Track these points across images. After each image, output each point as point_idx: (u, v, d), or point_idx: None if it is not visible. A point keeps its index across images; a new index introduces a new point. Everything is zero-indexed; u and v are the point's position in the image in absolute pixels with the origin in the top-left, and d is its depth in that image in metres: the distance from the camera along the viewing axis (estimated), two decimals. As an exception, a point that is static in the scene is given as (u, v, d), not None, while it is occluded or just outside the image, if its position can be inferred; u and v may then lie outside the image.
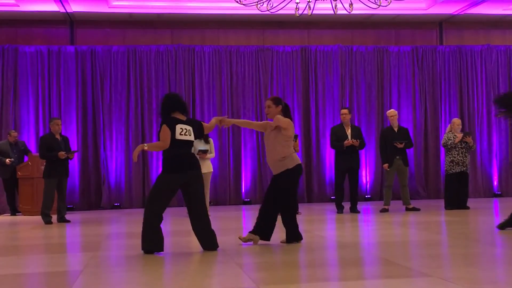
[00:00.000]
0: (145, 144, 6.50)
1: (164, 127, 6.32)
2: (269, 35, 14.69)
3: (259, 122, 6.87)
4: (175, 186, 6.40)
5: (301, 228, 8.87)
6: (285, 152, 6.82)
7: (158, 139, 6.44)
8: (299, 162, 6.95)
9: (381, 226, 9.00)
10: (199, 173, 6.48)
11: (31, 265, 6.09)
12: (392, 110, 11.56)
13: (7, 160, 12.30)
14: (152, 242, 6.37)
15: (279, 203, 6.89)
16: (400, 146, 10.98)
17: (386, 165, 11.02)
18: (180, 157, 6.36)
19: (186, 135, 6.37)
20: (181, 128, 6.34)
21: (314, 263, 5.72)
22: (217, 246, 6.54)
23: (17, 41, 13.79)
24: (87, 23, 14.06)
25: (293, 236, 7.01)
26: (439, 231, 8.23)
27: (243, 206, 13.69)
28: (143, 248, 6.39)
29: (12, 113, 13.47)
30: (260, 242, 7.04)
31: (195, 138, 6.53)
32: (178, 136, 6.31)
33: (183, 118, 6.46)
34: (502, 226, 7.62)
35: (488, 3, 13.71)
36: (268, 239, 7.01)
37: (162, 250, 6.39)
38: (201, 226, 6.48)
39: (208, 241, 6.51)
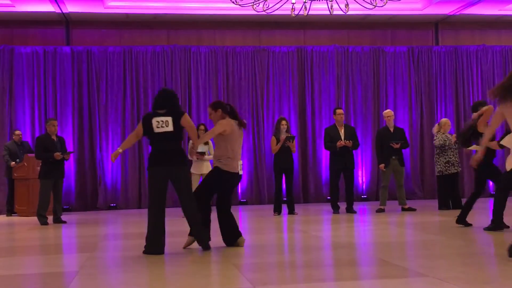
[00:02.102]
0: (119, 148, 6.72)
1: (139, 124, 6.59)
2: (265, 36, 14.69)
3: (213, 131, 6.84)
4: (160, 179, 6.43)
5: (298, 228, 8.92)
6: (220, 154, 6.77)
7: None
8: (235, 171, 6.80)
9: (377, 226, 9.02)
10: (180, 169, 6.48)
11: (27, 266, 6.08)
12: (388, 110, 11.59)
13: (12, 163, 12.27)
14: (151, 244, 6.40)
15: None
16: (396, 146, 11.00)
17: (382, 166, 11.04)
18: (159, 151, 6.46)
19: (163, 126, 6.41)
20: (157, 121, 6.42)
21: (311, 264, 5.73)
22: (208, 244, 6.55)
23: (12, 42, 13.76)
24: (83, 24, 14.04)
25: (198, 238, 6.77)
26: (435, 231, 8.24)
27: (240, 206, 13.67)
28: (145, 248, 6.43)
29: (8, 114, 13.45)
30: (256, 243, 7.03)
31: (176, 128, 6.44)
32: (155, 130, 6.42)
33: (162, 111, 6.50)
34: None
35: (483, 4, 13.74)
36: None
37: (161, 253, 6.38)
38: (192, 222, 6.55)
39: (200, 237, 6.54)
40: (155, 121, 6.42)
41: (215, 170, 6.80)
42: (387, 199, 11.24)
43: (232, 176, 6.79)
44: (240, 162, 6.92)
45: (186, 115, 6.58)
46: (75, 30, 14.08)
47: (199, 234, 6.56)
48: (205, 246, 6.55)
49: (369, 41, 14.99)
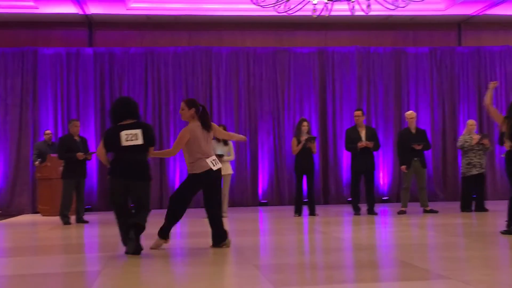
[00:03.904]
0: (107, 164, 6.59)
1: (101, 142, 6.43)
2: (286, 37, 14.67)
3: (179, 143, 6.71)
4: (120, 188, 6.32)
5: (318, 230, 8.90)
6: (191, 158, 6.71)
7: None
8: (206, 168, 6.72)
9: (399, 228, 8.97)
10: (138, 182, 6.34)
11: (50, 265, 6.14)
12: (411, 111, 11.50)
13: (36, 162, 12.39)
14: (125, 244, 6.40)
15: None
16: (419, 147, 10.92)
17: (404, 167, 10.97)
18: (117, 162, 6.35)
19: (133, 140, 6.26)
20: (126, 134, 6.26)
21: (331, 265, 5.71)
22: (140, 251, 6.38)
23: (36, 44, 13.91)
24: (105, 25, 14.15)
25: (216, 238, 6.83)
26: (457, 233, 8.17)
27: (260, 207, 13.69)
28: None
29: (31, 115, 13.60)
30: (277, 244, 7.03)
31: (146, 141, 6.32)
32: (124, 143, 6.25)
33: (132, 122, 6.36)
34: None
35: (507, 4, 13.59)
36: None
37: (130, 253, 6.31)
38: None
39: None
40: (123, 134, 6.24)
41: (187, 176, 6.80)
42: (409, 201, 11.16)
43: (199, 176, 6.67)
44: (213, 157, 6.74)
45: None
46: (98, 31, 14.20)
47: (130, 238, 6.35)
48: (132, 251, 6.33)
49: (390, 42, 14.90)
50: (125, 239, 6.37)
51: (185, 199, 6.80)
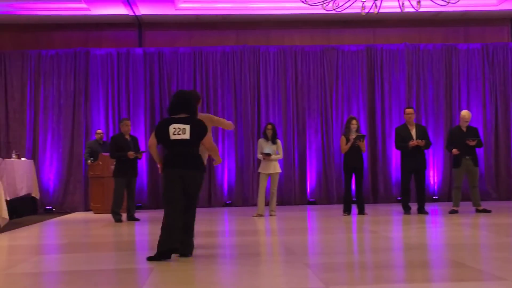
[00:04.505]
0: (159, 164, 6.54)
1: (152, 134, 6.38)
2: (334, 35, 14.59)
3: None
4: (174, 179, 6.21)
5: (368, 229, 8.83)
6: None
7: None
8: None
9: (450, 227, 8.82)
10: (191, 173, 6.24)
11: (103, 261, 6.27)
12: (467, 112, 11.12)
13: (88, 161, 12.64)
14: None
15: None
16: (473, 143, 10.69)
17: (455, 150, 10.70)
18: (169, 155, 6.28)
19: (180, 134, 6.20)
20: (174, 128, 6.23)
21: (381, 265, 5.66)
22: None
23: (88, 45, 14.21)
24: (155, 26, 14.35)
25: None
26: (511, 233, 7.98)
27: (308, 206, 13.66)
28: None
29: (83, 114, 13.89)
30: (326, 243, 7.00)
31: (193, 136, 6.23)
32: (171, 137, 6.21)
33: (184, 116, 6.30)
34: None
35: (562, -2, 13.20)
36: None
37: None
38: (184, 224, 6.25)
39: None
40: (172, 127, 6.22)
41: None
42: (460, 200, 10.96)
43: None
44: None
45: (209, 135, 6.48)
46: (147, 32, 14.41)
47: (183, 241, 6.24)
48: (187, 253, 6.23)
49: (441, 38, 14.65)
50: (166, 240, 6.11)
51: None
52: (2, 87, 13.90)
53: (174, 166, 6.22)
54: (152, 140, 6.39)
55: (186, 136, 6.19)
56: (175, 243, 6.06)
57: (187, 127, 6.21)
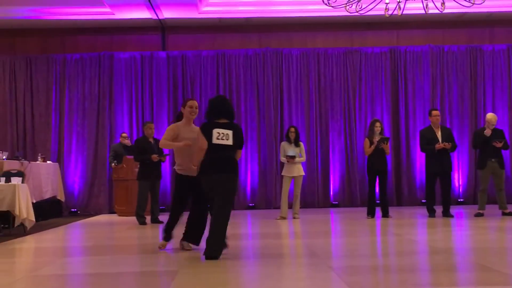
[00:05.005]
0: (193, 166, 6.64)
1: (200, 135, 6.41)
2: (357, 37, 14.54)
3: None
4: (208, 186, 6.37)
5: (392, 232, 8.77)
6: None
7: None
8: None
9: (476, 231, 8.72)
10: (226, 177, 6.35)
11: (128, 264, 6.31)
12: (493, 115, 10.98)
13: (113, 164, 12.73)
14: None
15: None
16: (499, 145, 10.57)
17: (487, 131, 10.58)
18: (210, 161, 6.33)
19: (223, 139, 6.32)
20: (217, 133, 6.33)
21: (406, 268, 5.62)
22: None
23: (112, 48, 14.34)
24: (178, 29, 14.43)
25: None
26: (538, 237, 7.87)
27: (331, 209, 13.62)
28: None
29: (108, 117, 14.01)
30: (350, 246, 6.96)
31: (235, 142, 6.39)
32: (214, 141, 6.31)
33: (226, 121, 6.43)
34: None
35: None
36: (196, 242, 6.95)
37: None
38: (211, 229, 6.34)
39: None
40: (215, 132, 6.32)
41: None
42: (486, 203, 10.82)
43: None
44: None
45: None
46: (171, 35, 14.50)
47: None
48: (215, 255, 6.23)
49: (465, 39, 14.51)
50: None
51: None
52: (28, 91, 14.09)
53: (215, 171, 6.32)
54: (204, 142, 6.38)
55: (230, 142, 6.36)
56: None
57: (230, 133, 6.37)
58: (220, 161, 6.33)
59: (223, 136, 6.32)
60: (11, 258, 7.19)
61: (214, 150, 6.32)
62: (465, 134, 14.06)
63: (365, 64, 14.25)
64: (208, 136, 6.32)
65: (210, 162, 6.32)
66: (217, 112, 6.44)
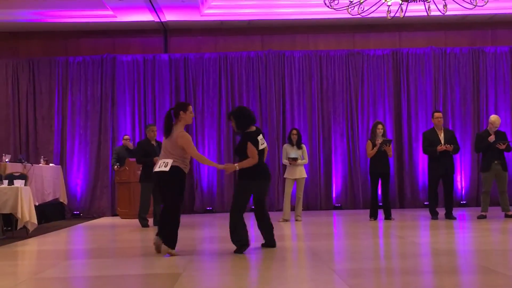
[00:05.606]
0: (236, 165, 6.96)
1: (250, 144, 6.79)
2: (359, 39, 14.55)
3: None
4: (261, 190, 7.07)
5: (395, 234, 8.76)
6: None
7: (241, 154, 6.91)
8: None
9: (479, 233, 8.71)
10: (266, 182, 7.08)
11: (131, 267, 6.31)
12: (497, 118, 10.95)
13: (115, 166, 12.72)
14: (244, 237, 6.86)
15: None
16: (502, 147, 10.55)
17: (491, 137, 10.57)
18: (261, 166, 6.94)
19: (263, 144, 6.93)
20: (260, 139, 6.88)
21: (409, 270, 5.61)
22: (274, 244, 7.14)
23: (114, 51, 14.36)
24: (180, 32, 14.44)
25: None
26: (541, 239, 7.86)
27: (334, 211, 13.61)
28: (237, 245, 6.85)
29: (110, 120, 14.02)
30: (352, 248, 6.95)
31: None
32: (260, 147, 6.86)
33: (254, 128, 6.99)
34: None
35: None
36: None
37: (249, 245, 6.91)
38: (263, 226, 7.15)
39: (269, 238, 7.16)
40: (259, 138, 6.89)
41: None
42: (489, 205, 10.81)
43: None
44: (163, 161, 7.07)
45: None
46: (173, 38, 14.52)
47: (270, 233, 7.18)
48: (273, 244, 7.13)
49: (467, 41, 14.51)
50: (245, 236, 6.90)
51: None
52: (31, 94, 14.12)
53: (265, 177, 7.01)
54: (254, 150, 6.84)
55: (265, 145, 7.01)
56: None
57: (262, 137, 6.99)
58: (266, 167, 7.05)
59: (262, 142, 6.92)
60: (14, 260, 7.21)
61: (260, 156, 6.90)
62: (467, 136, 14.05)
63: (367, 66, 14.26)
64: (256, 143, 6.82)
65: (263, 168, 6.96)
66: (251, 120, 6.95)
